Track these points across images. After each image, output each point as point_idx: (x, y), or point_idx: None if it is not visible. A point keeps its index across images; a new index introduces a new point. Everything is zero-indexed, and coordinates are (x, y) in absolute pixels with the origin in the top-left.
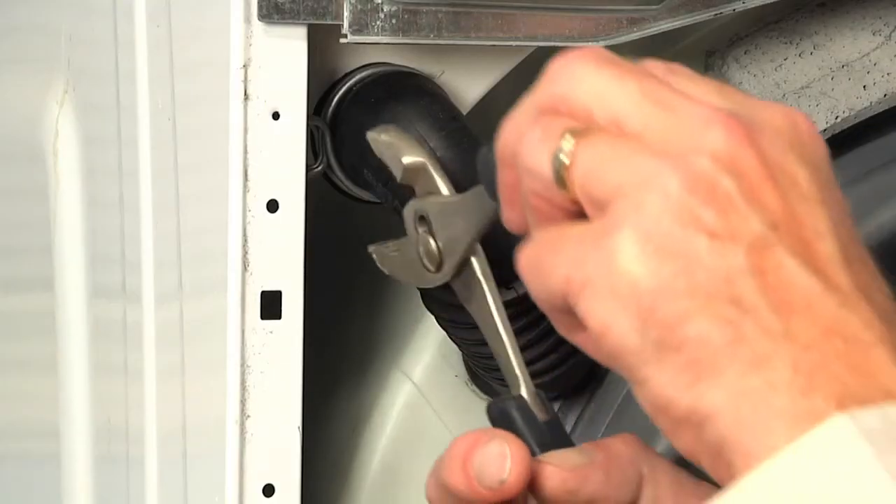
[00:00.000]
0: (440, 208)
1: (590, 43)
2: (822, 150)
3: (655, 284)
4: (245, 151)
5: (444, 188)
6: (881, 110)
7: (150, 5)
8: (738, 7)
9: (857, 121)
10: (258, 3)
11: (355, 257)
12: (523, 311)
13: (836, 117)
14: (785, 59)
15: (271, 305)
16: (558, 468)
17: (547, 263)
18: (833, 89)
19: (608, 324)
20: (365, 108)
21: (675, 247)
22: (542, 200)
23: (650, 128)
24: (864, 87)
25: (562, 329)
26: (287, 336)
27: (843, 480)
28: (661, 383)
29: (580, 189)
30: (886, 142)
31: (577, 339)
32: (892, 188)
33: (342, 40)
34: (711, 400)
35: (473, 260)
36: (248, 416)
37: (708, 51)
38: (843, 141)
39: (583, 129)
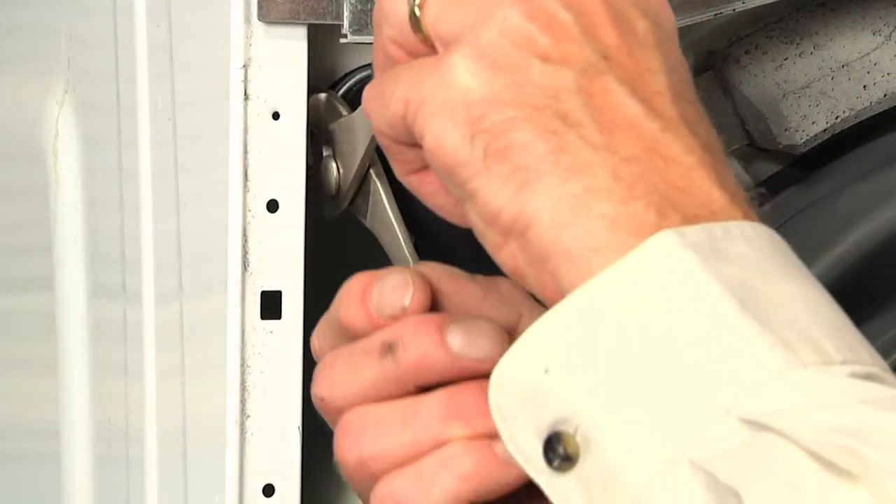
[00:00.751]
0: (340, 126)
1: None
2: (667, 14)
3: (485, 95)
4: (245, 151)
5: (345, 113)
6: (881, 110)
7: (150, 5)
8: (738, 7)
9: (857, 121)
10: (258, 3)
11: (355, 257)
12: None
13: (836, 117)
14: (785, 59)
15: (271, 305)
16: (438, 270)
17: (388, 91)
18: (833, 89)
19: (441, 136)
20: None
21: (508, 64)
22: (399, 49)
23: None
24: (864, 87)
25: (401, 170)
26: (287, 336)
27: (672, 287)
28: (488, 193)
29: (432, 29)
30: (886, 142)
31: (412, 180)
32: (892, 188)
33: (342, 40)
34: (534, 206)
35: (371, 171)
36: (248, 416)
37: (708, 51)
38: (843, 141)
39: None
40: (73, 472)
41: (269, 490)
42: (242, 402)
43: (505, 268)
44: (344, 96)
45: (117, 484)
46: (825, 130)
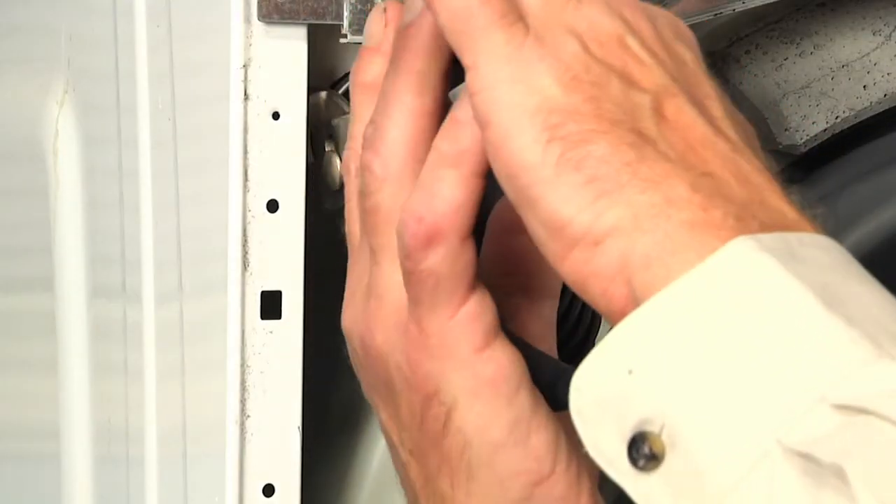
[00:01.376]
0: (343, 122)
1: None
2: (696, 45)
3: (566, 105)
4: (245, 151)
5: (346, 109)
6: (881, 110)
7: (150, 5)
8: (738, 7)
9: (857, 121)
10: (258, 3)
11: None
12: None
13: (836, 117)
14: (785, 59)
15: (271, 305)
16: None
17: (473, 24)
18: (833, 89)
19: (509, 134)
20: None
21: (590, 79)
22: None
23: None
24: (864, 87)
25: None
26: (287, 336)
27: (755, 287)
28: (556, 201)
29: None
30: (886, 142)
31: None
32: (893, 188)
33: (342, 40)
34: (612, 216)
35: None
36: (248, 416)
37: (708, 51)
38: (843, 141)
39: None
40: (73, 472)
41: (269, 490)
42: (242, 402)
43: (567, 277)
44: (344, 95)
45: (117, 484)
46: (825, 130)
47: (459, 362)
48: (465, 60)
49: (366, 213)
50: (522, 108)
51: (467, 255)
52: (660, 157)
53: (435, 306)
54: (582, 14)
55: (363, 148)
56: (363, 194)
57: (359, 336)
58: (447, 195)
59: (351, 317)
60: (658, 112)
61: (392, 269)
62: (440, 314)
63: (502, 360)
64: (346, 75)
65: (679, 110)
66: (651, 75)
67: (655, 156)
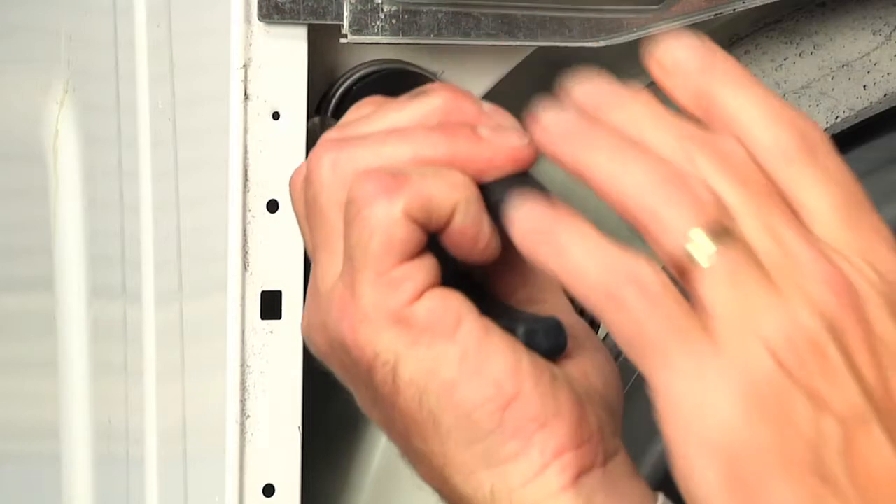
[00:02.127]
0: None
1: (590, 44)
2: None
3: (748, 439)
4: (245, 151)
5: None
6: (881, 110)
7: (150, 5)
8: (738, 7)
9: (857, 121)
10: (258, 3)
11: None
12: None
13: (836, 117)
14: (785, 59)
15: (271, 305)
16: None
17: (646, 338)
18: (833, 89)
19: (695, 468)
20: None
21: (776, 403)
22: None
23: (768, 253)
24: (864, 87)
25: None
26: (287, 336)
27: None
28: None
29: (702, 289)
30: (886, 142)
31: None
32: (893, 188)
33: (342, 40)
34: None
35: None
36: (248, 416)
37: None
38: (843, 141)
39: (727, 229)
40: (73, 472)
41: (269, 490)
42: (242, 402)
43: None
44: (343, 95)
45: (117, 484)
46: (825, 130)
47: (392, 319)
48: (646, 374)
49: (307, 205)
50: (704, 443)
51: (409, 233)
52: None
53: (366, 263)
54: (778, 316)
55: None
56: (307, 181)
57: (315, 337)
58: (430, 185)
59: (305, 324)
60: (848, 448)
61: (329, 261)
62: (370, 271)
63: (434, 303)
64: (346, 74)
65: (871, 446)
66: (843, 394)
67: (835, 503)
